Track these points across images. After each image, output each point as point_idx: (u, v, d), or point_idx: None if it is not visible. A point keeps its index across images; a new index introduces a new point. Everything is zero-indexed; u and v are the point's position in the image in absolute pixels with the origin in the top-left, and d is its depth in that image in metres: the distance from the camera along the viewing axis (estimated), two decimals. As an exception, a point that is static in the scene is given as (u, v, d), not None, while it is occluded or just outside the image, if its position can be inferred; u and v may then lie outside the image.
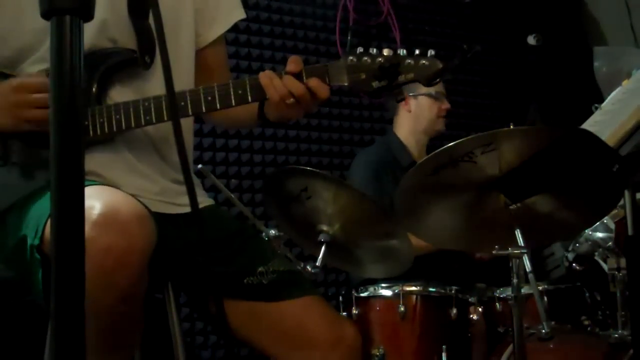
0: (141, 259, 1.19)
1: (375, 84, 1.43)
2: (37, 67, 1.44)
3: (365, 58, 1.42)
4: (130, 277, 1.17)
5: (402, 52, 1.43)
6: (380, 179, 2.77)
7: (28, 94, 1.36)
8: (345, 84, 1.44)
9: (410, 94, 2.93)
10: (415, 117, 2.95)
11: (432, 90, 2.87)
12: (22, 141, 1.39)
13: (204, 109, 1.42)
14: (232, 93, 1.41)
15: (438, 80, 1.43)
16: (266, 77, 1.41)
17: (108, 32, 1.46)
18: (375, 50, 1.44)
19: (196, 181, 1.70)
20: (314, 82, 1.41)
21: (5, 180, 1.40)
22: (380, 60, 1.42)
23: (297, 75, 1.42)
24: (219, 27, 1.69)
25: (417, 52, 1.43)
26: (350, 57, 1.43)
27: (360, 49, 1.44)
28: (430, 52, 1.43)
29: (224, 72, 1.76)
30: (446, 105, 2.95)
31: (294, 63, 1.43)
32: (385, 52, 1.43)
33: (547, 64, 3.69)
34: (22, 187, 1.37)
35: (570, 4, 4.09)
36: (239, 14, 1.72)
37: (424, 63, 1.42)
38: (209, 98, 1.42)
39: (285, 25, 3.48)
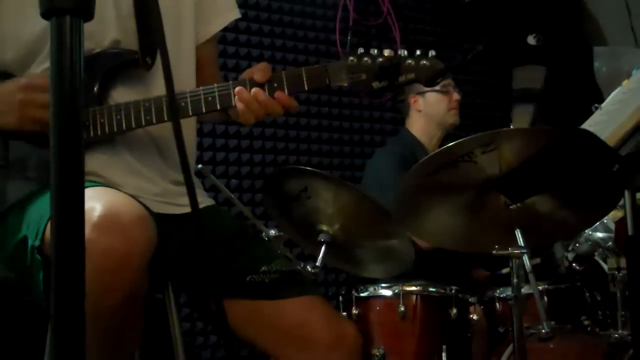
0: (142, 261, 1.18)
1: (376, 84, 1.43)
2: (43, 67, 1.44)
3: (366, 58, 1.43)
4: (131, 279, 1.17)
5: (403, 52, 1.43)
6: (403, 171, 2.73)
7: (35, 94, 1.35)
8: (345, 84, 1.44)
9: (417, 93, 2.91)
10: (426, 114, 2.93)
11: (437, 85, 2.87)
12: (23, 142, 1.39)
13: (204, 109, 1.42)
14: (227, 94, 1.42)
15: (439, 80, 1.44)
16: (240, 100, 1.42)
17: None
18: (375, 51, 1.44)
19: (196, 181, 1.70)
20: (281, 97, 1.42)
21: (5, 181, 1.39)
22: (380, 61, 1.42)
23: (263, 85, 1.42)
24: (216, 24, 1.68)
25: (417, 52, 1.44)
26: (351, 58, 1.43)
27: (360, 50, 1.44)
28: (431, 53, 1.44)
29: (213, 69, 1.76)
30: (456, 96, 2.92)
31: (261, 72, 1.42)
32: (386, 52, 1.44)
33: (547, 64, 3.69)
34: (22, 188, 1.37)
35: (570, 4, 4.09)
36: (235, 13, 1.72)
37: (424, 63, 1.42)
38: (209, 98, 1.42)
39: (285, 25, 3.48)
